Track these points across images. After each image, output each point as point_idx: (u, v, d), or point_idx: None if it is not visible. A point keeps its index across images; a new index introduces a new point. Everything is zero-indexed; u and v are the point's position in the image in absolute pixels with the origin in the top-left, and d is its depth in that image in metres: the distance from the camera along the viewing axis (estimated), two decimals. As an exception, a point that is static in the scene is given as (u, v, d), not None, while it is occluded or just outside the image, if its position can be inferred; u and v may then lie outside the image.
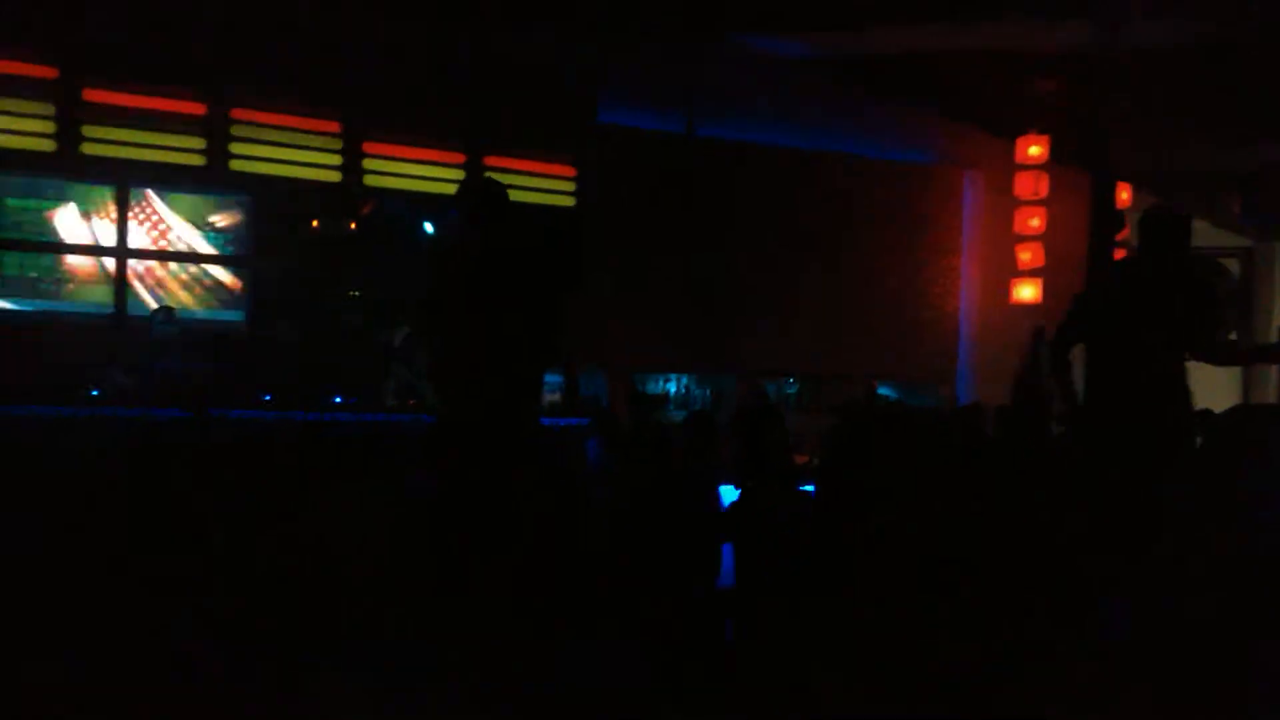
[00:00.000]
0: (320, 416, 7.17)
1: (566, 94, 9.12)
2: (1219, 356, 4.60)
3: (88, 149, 7.91)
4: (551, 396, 8.02)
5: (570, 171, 9.19)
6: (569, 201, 9.16)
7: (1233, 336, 11.33)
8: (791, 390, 10.24)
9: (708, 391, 9.63)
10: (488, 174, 8.59)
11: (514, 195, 8.76)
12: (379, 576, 4.76)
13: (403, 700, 3.92)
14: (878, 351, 10.68)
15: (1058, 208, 11.14)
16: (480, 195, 4.45)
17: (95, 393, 7.37)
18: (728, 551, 5.70)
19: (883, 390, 10.07)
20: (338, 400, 7.64)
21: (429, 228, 8.62)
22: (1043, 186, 11.41)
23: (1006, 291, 11.31)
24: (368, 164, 8.65)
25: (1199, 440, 6.02)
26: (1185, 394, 4.47)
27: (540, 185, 9.02)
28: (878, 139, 11.04)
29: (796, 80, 9.66)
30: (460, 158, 8.85)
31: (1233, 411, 7.98)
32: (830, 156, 10.99)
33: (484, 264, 4.23)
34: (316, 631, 4.37)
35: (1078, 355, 4.87)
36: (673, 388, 9.48)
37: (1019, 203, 11.49)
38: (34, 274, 8.22)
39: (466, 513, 4.15)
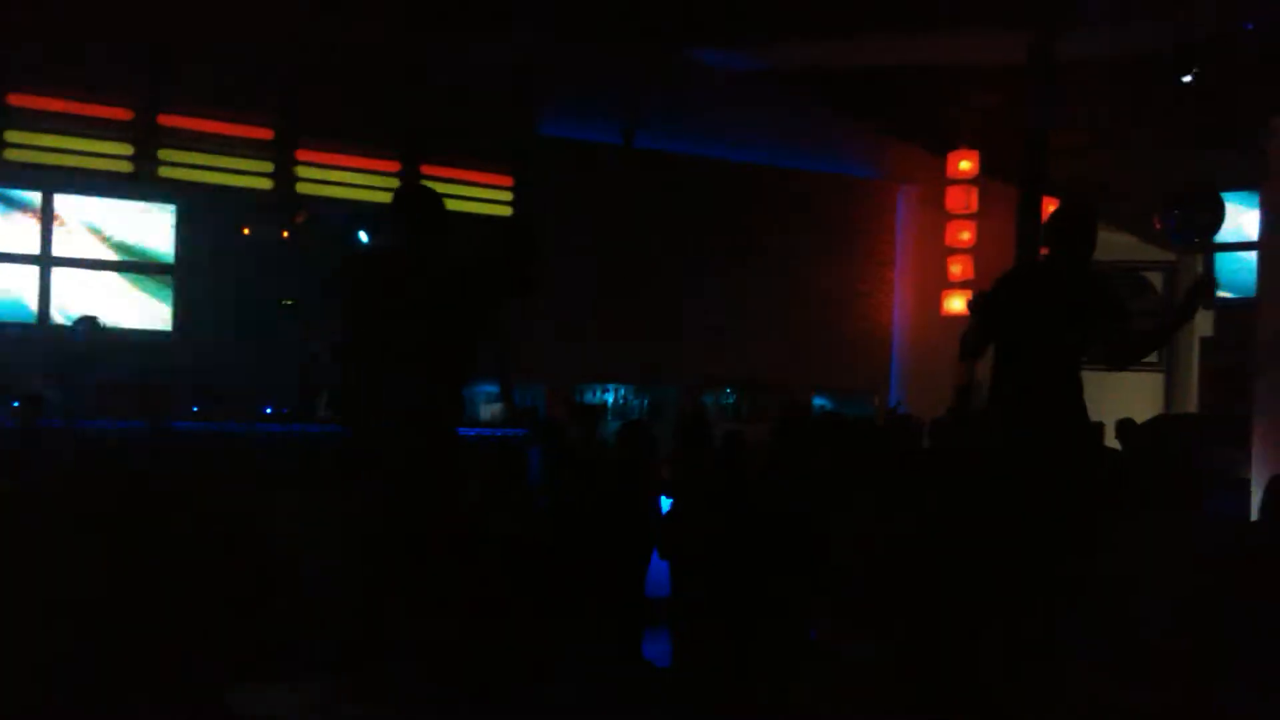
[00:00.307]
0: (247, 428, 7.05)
1: (505, 104, 9.08)
2: (1114, 356, 4.53)
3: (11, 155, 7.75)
4: (490, 406, 7.99)
5: (508, 181, 9.15)
6: (506, 211, 9.12)
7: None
8: (729, 400, 10.28)
9: (645, 402, 9.62)
10: (424, 182, 8.53)
11: (451, 205, 8.79)
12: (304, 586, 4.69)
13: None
14: (814, 362, 10.77)
15: (988, 221, 11.32)
16: (413, 202, 4.36)
17: (15, 404, 7.17)
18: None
19: (818, 400, 10.15)
20: (268, 411, 7.51)
21: (364, 236, 8.51)
22: (973, 201, 11.60)
23: (938, 304, 11.47)
24: (300, 171, 8.53)
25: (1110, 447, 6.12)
26: (1078, 398, 4.42)
27: (478, 195, 8.97)
28: (815, 153, 11.15)
29: (737, 94, 9.72)
30: (396, 166, 8.78)
31: (1153, 422, 8.16)
32: (769, 170, 11.09)
33: (409, 273, 4.15)
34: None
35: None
36: (611, 398, 9.47)
37: (950, 216, 11.67)
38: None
39: (383, 526, 4.06)
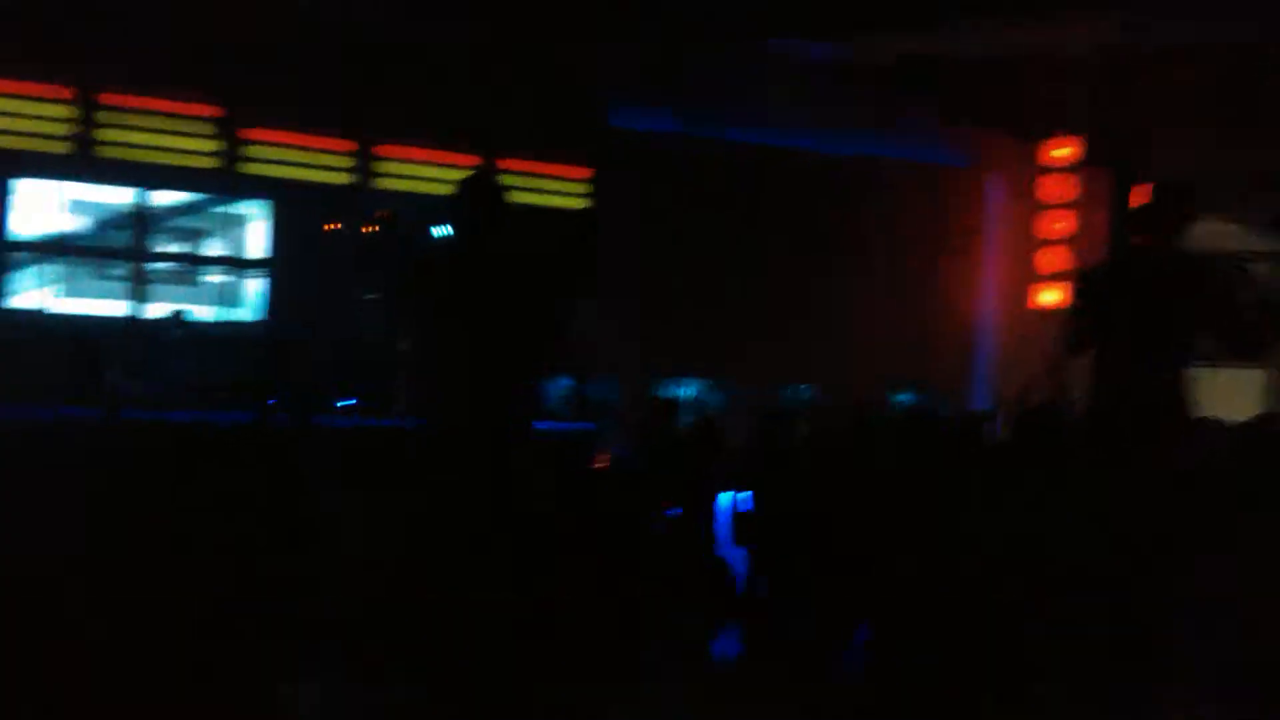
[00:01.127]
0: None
1: (583, 98, 9.08)
2: (1233, 347, 4.31)
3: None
4: (560, 401, 8.01)
5: (584, 174, 9.15)
6: (582, 204, 9.13)
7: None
8: (807, 396, 10.12)
9: (723, 398, 9.54)
10: (498, 176, 8.59)
11: (525, 198, 8.86)
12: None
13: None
14: (897, 357, 10.53)
15: (1081, 211, 10.96)
16: (475, 196, 4.35)
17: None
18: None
19: (901, 396, 9.95)
20: (349, 404, 7.63)
21: (442, 230, 8.59)
22: (1068, 189, 11.23)
23: (1026, 296, 11.13)
24: (379, 167, 8.66)
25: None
26: (1180, 393, 4.23)
27: (553, 188, 9.00)
28: (900, 142, 10.89)
29: (817, 83, 9.56)
30: (474, 160, 8.84)
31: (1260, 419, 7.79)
32: (852, 160, 10.86)
33: (474, 268, 4.16)
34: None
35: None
36: (686, 393, 9.41)
37: (1043, 206, 11.31)
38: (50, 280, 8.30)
39: (453, 521, 4.08)
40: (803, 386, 9.74)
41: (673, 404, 8.93)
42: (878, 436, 5.88)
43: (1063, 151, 11.25)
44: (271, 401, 7.27)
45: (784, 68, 9.41)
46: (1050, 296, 11.02)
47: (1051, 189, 11.30)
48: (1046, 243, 11.27)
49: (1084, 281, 4.84)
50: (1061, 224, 11.29)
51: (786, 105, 9.80)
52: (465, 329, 4.08)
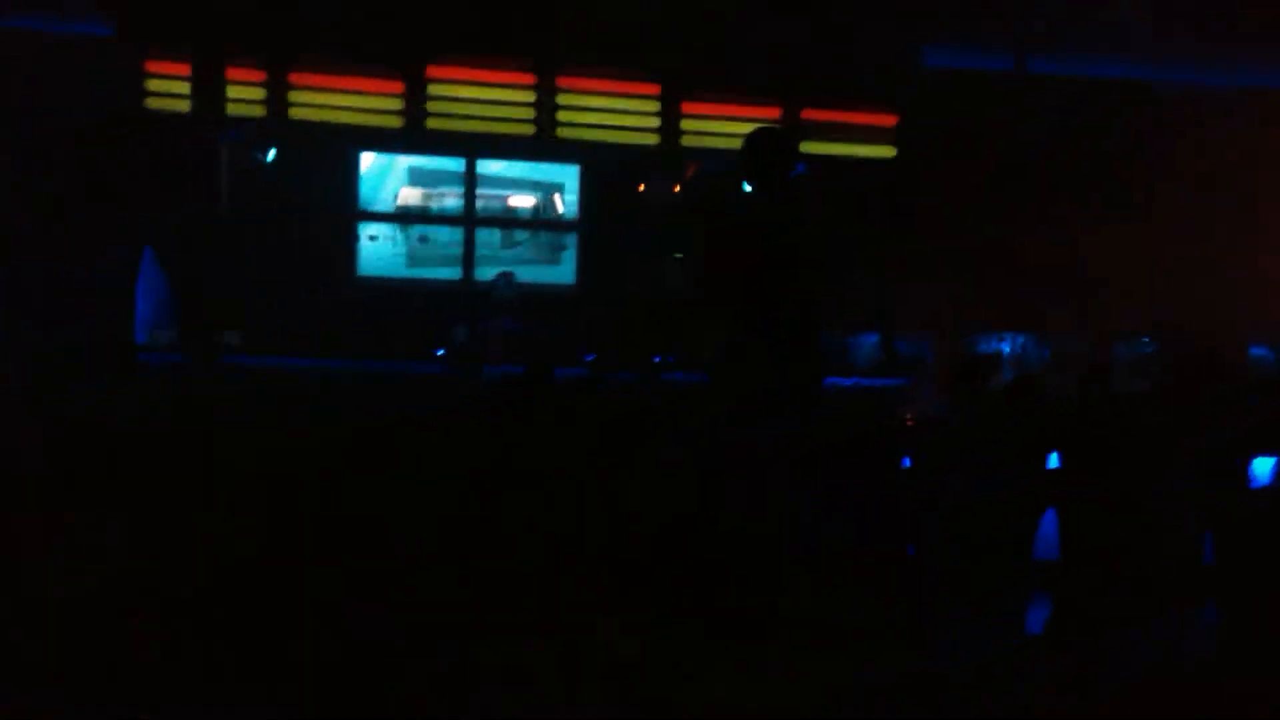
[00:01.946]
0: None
1: (887, 38, 8.73)
2: None
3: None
4: (870, 357, 7.79)
5: (891, 120, 8.82)
6: (890, 152, 8.81)
7: None
8: (1147, 350, 9.28)
9: (1046, 353, 8.94)
10: (800, 127, 8.46)
11: (835, 149, 8.64)
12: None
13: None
14: (1247, 307, 9.43)
15: None
16: (763, 147, 4.23)
17: (440, 351, 7.98)
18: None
19: (1256, 351, 8.91)
20: (655, 360, 7.79)
21: (747, 187, 8.55)
22: None
23: None
24: (685, 125, 8.73)
25: None
26: None
27: (861, 137, 8.73)
28: (1246, 65, 9.65)
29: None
30: (777, 112, 8.74)
31: None
32: (1185, 87, 9.73)
33: (762, 220, 4.07)
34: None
35: None
36: (1007, 348, 8.89)
37: None
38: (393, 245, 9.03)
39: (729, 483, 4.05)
40: (1141, 340, 8.94)
41: (989, 360, 8.51)
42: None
43: None
44: (590, 358, 7.57)
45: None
46: None
47: None
48: None
49: None
50: None
51: (1106, 27, 8.94)
52: (749, 280, 4.01)
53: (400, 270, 8.92)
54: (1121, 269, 9.33)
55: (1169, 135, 9.58)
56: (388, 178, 8.91)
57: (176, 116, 8.26)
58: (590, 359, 7.70)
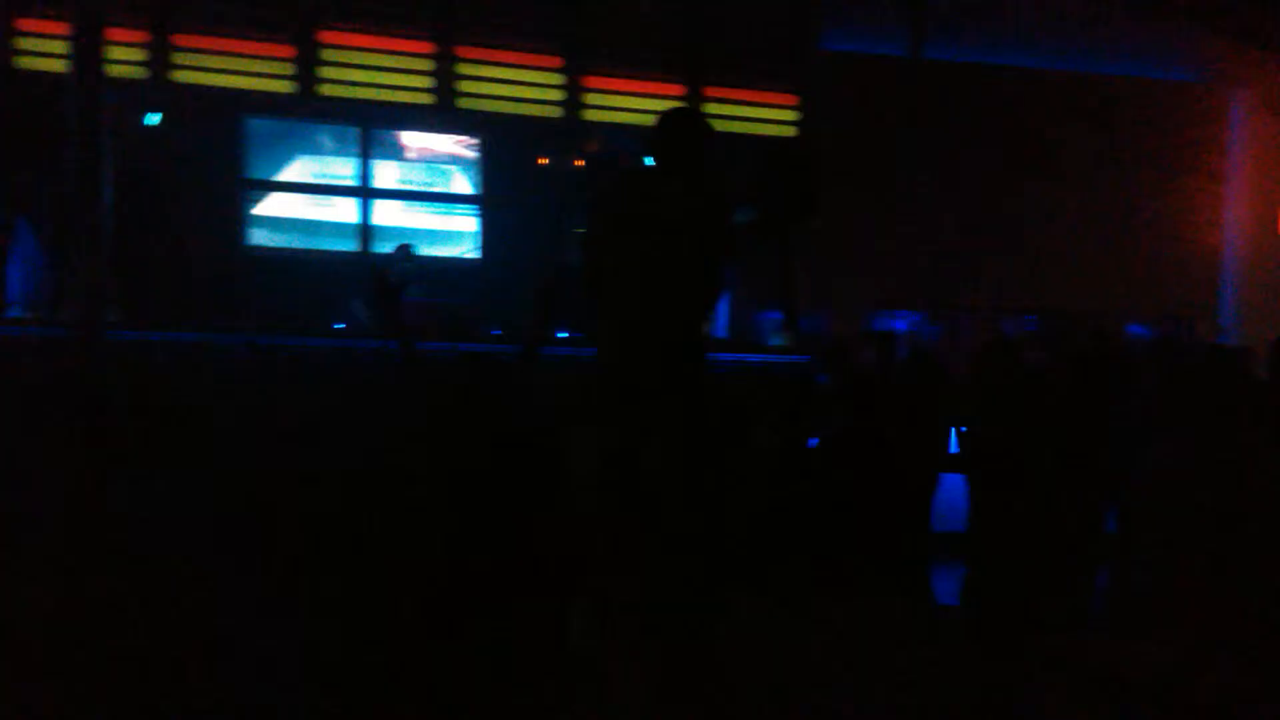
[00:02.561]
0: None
1: (788, 20, 8.82)
2: None
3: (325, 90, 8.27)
4: (773, 334, 7.88)
5: (792, 100, 8.92)
6: (791, 132, 8.91)
7: None
8: (1033, 329, 9.64)
9: (939, 330, 9.19)
10: (704, 104, 8.49)
11: (734, 127, 8.68)
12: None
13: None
14: (1129, 286, 9.90)
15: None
16: (674, 126, 4.15)
17: (339, 325, 7.77)
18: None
19: (1133, 329, 9.33)
20: (562, 336, 7.74)
21: (650, 161, 8.53)
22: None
23: (1278, 220, 10.25)
24: (589, 99, 8.66)
25: None
26: None
27: (762, 116, 8.81)
28: (1131, 57, 10.14)
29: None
30: (680, 89, 8.75)
31: None
32: (1074, 76, 10.19)
33: (652, 198, 4.01)
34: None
35: None
36: (903, 326, 9.11)
37: (1294, 122, 10.38)
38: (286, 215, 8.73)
39: (633, 467, 4.01)
40: (1026, 317, 9.27)
41: (885, 337, 8.68)
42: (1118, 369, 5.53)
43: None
44: (495, 333, 7.46)
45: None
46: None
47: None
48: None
49: None
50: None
51: (997, 17, 9.24)
52: (641, 257, 3.95)
53: (292, 242, 8.65)
54: (1012, 250, 9.70)
55: (1057, 122, 9.98)
56: (279, 146, 8.62)
57: (52, 77, 7.81)
58: (496, 334, 7.60)
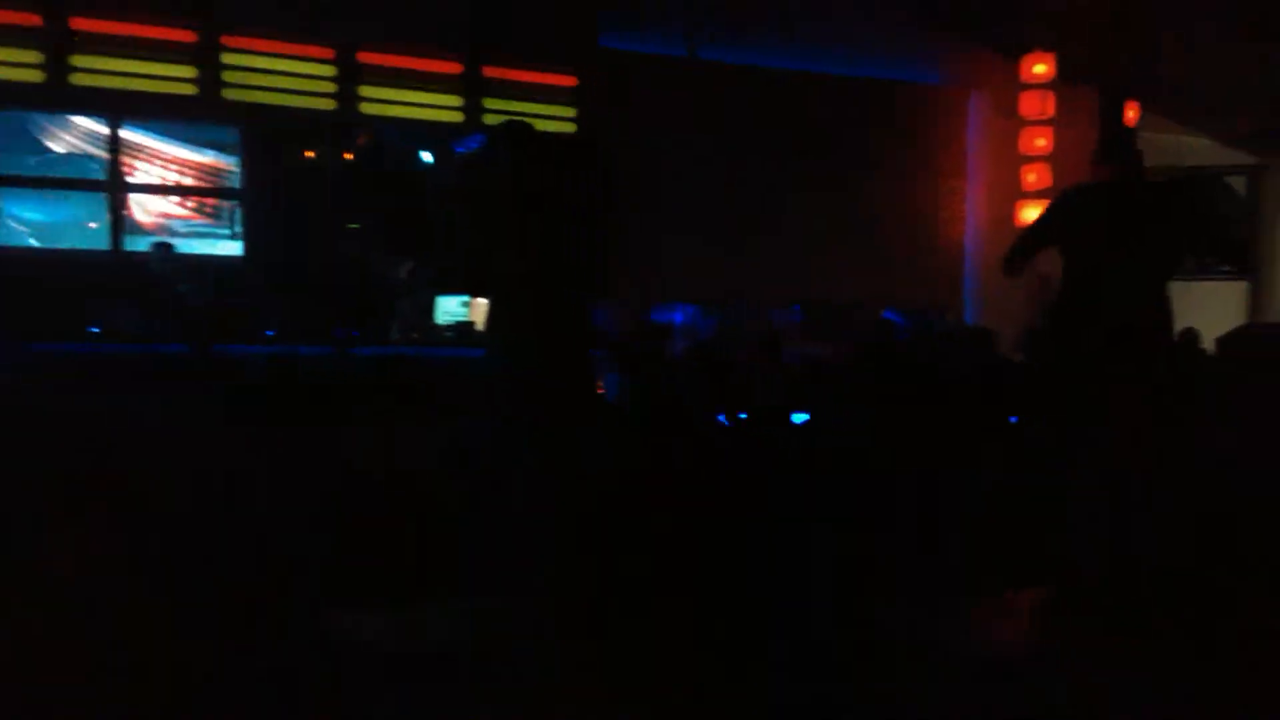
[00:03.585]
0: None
1: (567, 13, 8.92)
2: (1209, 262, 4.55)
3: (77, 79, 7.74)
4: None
5: (571, 82, 9.01)
6: (570, 127, 9.01)
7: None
8: (797, 319, 10.15)
9: (714, 322, 9.54)
10: (483, 85, 8.50)
11: (514, 106, 8.70)
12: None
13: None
14: (885, 277, 10.58)
15: (1065, 128, 10.98)
16: (516, 137, 4.36)
17: (95, 329, 7.31)
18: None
19: (889, 315, 9.98)
20: (337, 335, 7.55)
21: (426, 156, 8.46)
22: (1049, 106, 11.24)
23: (1014, 214, 11.17)
24: (363, 91, 8.47)
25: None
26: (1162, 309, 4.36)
27: (544, 111, 8.86)
28: (883, 60, 10.81)
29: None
30: (458, 69, 8.70)
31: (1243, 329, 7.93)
32: (835, 78, 10.78)
33: (532, 208, 4.20)
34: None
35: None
36: (679, 318, 9.40)
37: (1025, 123, 11.32)
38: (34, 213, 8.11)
39: (526, 456, 4.12)
40: (792, 308, 9.74)
41: (664, 329, 8.94)
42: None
43: (1041, 67, 11.26)
44: (270, 333, 7.20)
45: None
46: (1034, 213, 11.07)
47: (1032, 105, 11.31)
48: (1029, 159, 11.32)
49: (1062, 198, 4.86)
50: (1042, 140, 11.32)
51: (758, 23, 9.69)
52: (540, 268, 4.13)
53: (37, 241, 8.05)
54: (780, 243, 10.18)
55: (824, 123, 10.56)
56: (23, 138, 7.98)
57: None
58: (271, 334, 7.34)
